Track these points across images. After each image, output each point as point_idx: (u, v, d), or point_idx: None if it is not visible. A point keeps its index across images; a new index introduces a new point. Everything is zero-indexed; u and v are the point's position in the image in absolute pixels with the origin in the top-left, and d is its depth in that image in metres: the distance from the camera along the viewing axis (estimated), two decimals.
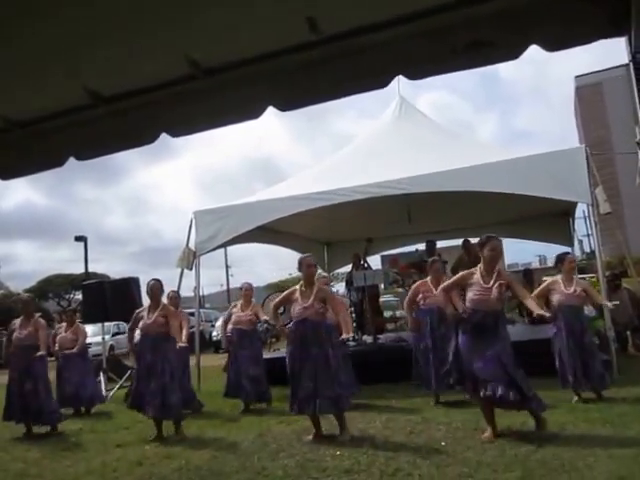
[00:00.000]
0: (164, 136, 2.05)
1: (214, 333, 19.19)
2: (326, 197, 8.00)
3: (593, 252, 10.55)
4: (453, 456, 4.09)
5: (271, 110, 1.90)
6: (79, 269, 32.52)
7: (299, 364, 4.91)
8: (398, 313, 13.34)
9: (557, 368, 5.65)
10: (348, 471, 3.97)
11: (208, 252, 8.82)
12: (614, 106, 36.24)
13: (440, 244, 10.69)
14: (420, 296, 6.18)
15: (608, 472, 3.47)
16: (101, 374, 9.17)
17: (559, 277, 5.79)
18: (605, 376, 5.61)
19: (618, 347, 7.50)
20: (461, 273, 4.80)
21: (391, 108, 10.51)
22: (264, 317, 6.93)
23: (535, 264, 37.93)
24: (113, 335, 18.47)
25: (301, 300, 4.98)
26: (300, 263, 5.14)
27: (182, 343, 5.62)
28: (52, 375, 6.87)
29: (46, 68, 1.78)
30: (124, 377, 9.22)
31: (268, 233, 9.96)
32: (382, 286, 11.15)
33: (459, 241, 10.11)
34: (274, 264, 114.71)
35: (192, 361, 7.73)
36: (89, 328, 9.00)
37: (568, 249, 9.92)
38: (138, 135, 2.09)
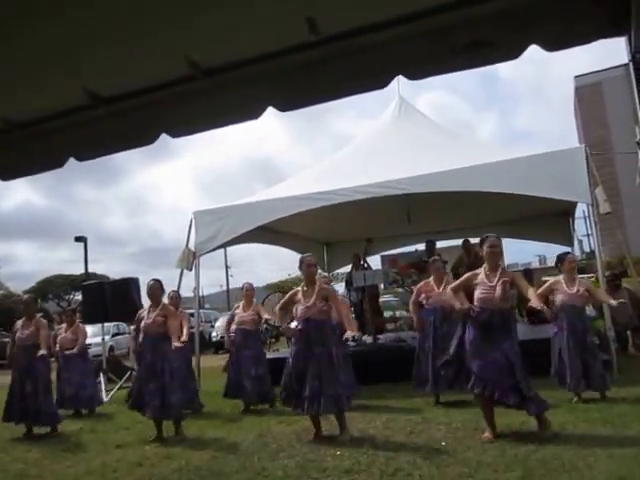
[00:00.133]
0: (164, 136, 2.05)
1: (214, 334, 19.16)
2: (326, 197, 8.01)
3: (593, 252, 10.56)
4: (453, 456, 4.09)
5: (271, 110, 1.90)
6: (79, 270, 32.63)
7: (303, 363, 4.90)
8: (398, 313, 13.34)
9: (554, 367, 5.66)
10: (348, 471, 3.97)
11: (208, 252, 8.82)
12: (614, 106, 36.18)
13: (440, 244, 10.72)
14: (423, 296, 6.20)
15: (608, 472, 3.47)
16: (101, 375, 9.19)
17: (561, 277, 5.80)
18: (606, 376, 5.61)
19: (618, 347, 7.51)
20: (467, 274, 4.84)
21: (391, 108, 10.52)
22: (266, 315, 6.96)
23: (535, 264, 37.87)
24: (113, 336, 18.48)
25: (303, 300, 4.99)
26: (301, 263, 5.16)
27: (178, 343, 5.43)
28: (52, 375, 6.87)
29: (46, 68, 1.78)
30: (124, 378, 9.23)
31: (268, 233, 9.96)
32: (382, 286, 11.13)
33: (459, 241, 10.13)
34: (274, 264, 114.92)
35: (192, 361, 7.72)
36: (89, 329, 9.00)
37: (568, 249, 9.93)
38: (138, 135, 2.09)
